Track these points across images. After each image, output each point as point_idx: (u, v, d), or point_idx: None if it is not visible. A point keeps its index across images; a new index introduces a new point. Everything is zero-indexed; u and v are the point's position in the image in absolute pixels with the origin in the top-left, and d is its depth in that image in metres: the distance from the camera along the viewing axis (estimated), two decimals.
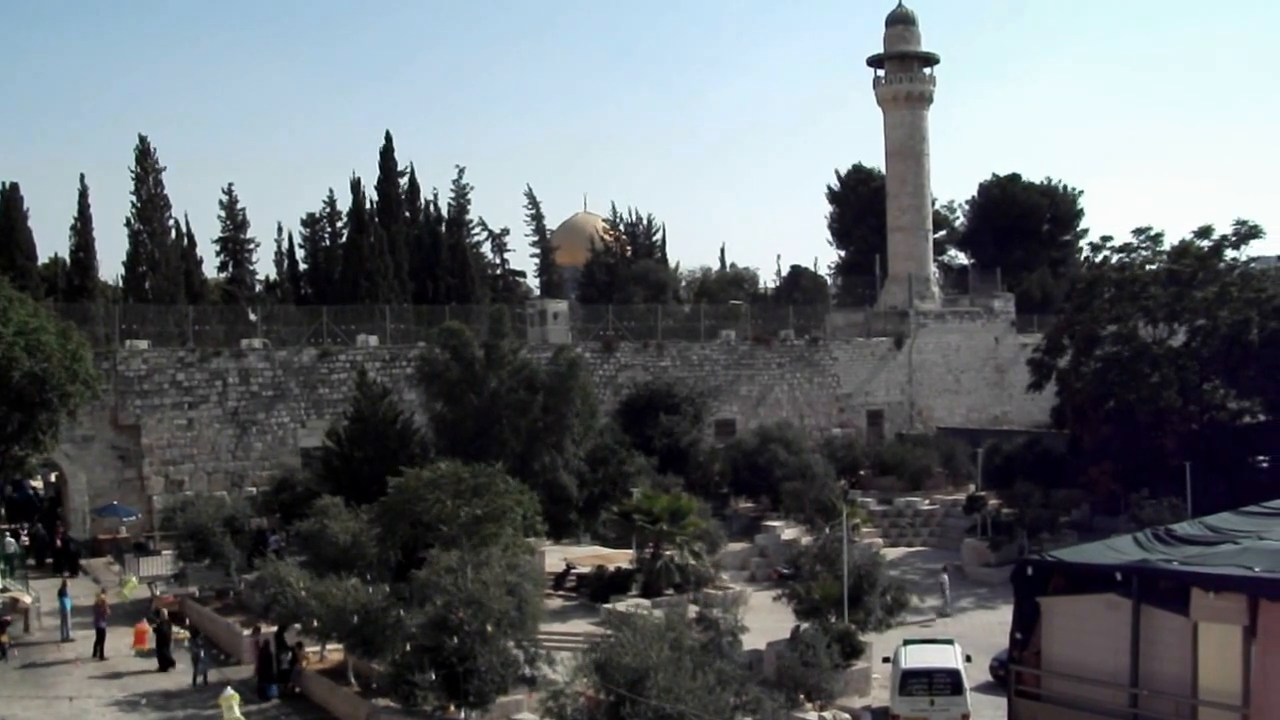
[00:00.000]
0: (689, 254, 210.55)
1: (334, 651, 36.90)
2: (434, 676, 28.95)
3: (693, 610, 36.71)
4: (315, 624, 35.08)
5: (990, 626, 44.18)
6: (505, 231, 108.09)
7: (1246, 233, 63.89)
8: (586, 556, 53.09)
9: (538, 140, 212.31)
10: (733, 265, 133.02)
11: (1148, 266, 66.15)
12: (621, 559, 51.20)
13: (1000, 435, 74.68)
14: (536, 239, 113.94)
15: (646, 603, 43.49)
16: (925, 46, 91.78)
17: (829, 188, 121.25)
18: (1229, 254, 64.83)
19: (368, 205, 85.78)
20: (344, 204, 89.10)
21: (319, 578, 36.68)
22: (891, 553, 59.21)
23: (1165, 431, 58.98)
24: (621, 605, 43.32)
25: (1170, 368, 60.63)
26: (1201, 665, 21.44)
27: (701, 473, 63.93)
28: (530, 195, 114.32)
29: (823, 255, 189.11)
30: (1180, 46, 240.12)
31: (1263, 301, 60.79)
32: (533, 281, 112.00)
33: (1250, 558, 22.19)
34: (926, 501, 67.91)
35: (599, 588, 48.50)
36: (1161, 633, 21.93)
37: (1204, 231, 64.85)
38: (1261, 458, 61.36)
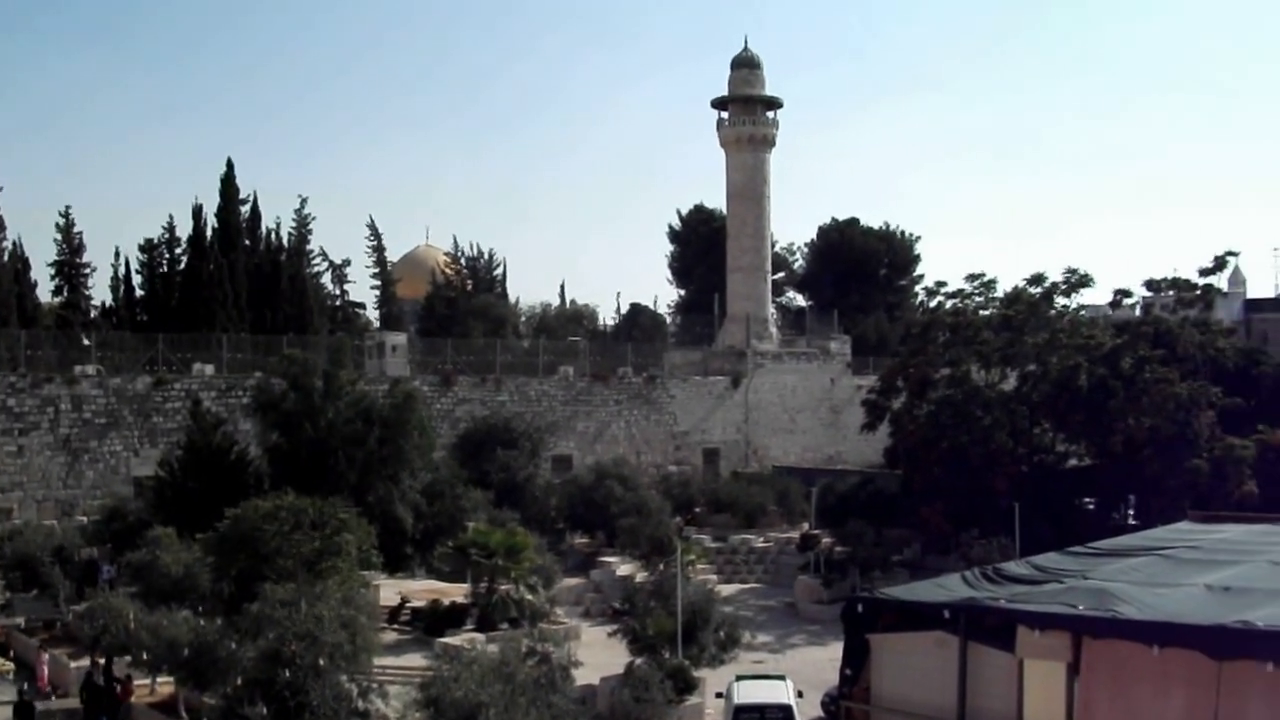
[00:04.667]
0: (529, 289, 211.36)
1: (165, 684, 36.27)
2: (266, 710, 28.52)
3: (527, 645, 36.67)
4: (146, 656, 34.50)
5: (822, 663, 44.57)
6: (346, 262, 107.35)
7: (1077, 281, 65.31)
8: (422, 590, 52.71)
9: (381, 172, 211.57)
10: (573, 302, 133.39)
11: (981, 312, 67.34)
12: (457, 593, 50.89)
13: (834, 475, 75.29)
14: (377, 270, 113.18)
15: (481, 637, 43.27)
16: (769, 90, 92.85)
17: (670, 227, 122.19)
18: (1060, 301, 66.29)
19: (208, 232, 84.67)
20: (184, 230, 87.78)
21: (150, 609, 36.11)
22: (726, 589, 59.40)
23: (996, 473, 59.96)
24: (456, 639, 43.08)
25: (1001, 411, 61.80)
26: (1027, 701, 21.86)
27: (538, 508, 63.71)
28: (372, 226, 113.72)
29: (663, 294, 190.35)
30: (1019, 96, 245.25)
31: (1091, 348, 62.18)
32: (372, 313, 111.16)
33: (1074, 596, 22.72)
34: (761, 539, 68.22)
35: (433, 622, 48.17)
36: (988, 669, 22.35)
37: (1036, 279, 66.18)
38: (1088, 500, 62.72)
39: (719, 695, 37.53)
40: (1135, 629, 20.67)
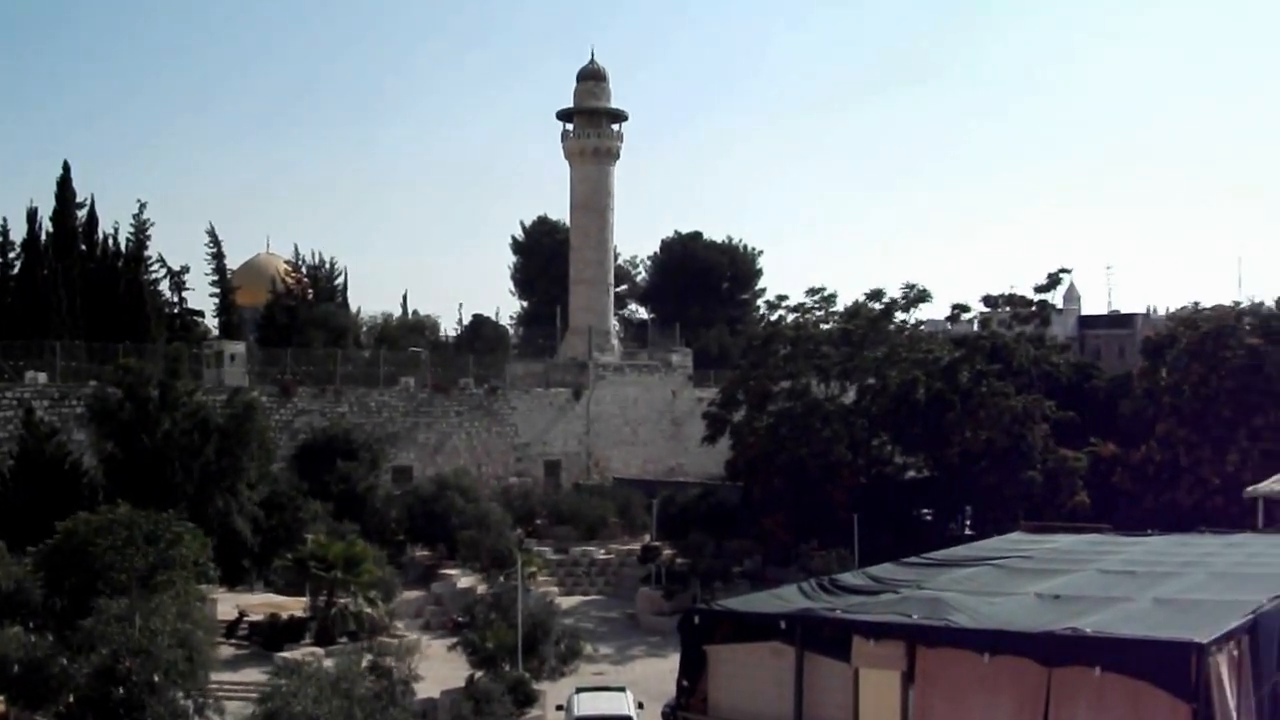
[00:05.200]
0: (371, 299, 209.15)
1: None
2: None
3: (367, 659, 36.44)
4: None
5: (662, 674, 44.72)
6: (185, 269, 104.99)
7: (916, 296, 66.37)
8: (260, 604, 52.12)
9: (221, 178, 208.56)
10: (415, 312, 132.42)
11: (821, 326, 68.18)
12: (295, 607, 50.44)
13: (676, 486, 75.70)
14: (216, 278, 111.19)
15: (320, 651, 43.02)
16: (615, 103, 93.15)
17: (513, 238, 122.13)
18: (899, 316, 67.35)
19: (43, 237, 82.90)
20: (18, 234, 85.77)
21: None
22: (567, 601, 59.49)
23: (835, 485, 60.70)
24: (295, 654, 42.75)
25: (841, 424, 62.59)
26: (862, 710, 22.12)
27: (378, 520, 63.26)
28: (212, 233, 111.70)
29: (505, 305, 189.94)
30: (860, 111, 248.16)
31: (929, 362, 63.26)
32: (211, 321, 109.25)
33: (909, 606, 23.04)
34: (602, 551, 68.47)
35: (272, 636, 47.71)
36: (824, 679, 22.58)
37: (875, 294, 67.18)
38: (926, 510, 63.71)
39: (560, 708, 37.60)
40: (967, 637, 21.02)
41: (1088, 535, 36.52)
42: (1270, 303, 69.27)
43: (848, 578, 27.60)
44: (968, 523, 63.39)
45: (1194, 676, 18.80)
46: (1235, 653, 20.72)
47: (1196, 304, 68.41)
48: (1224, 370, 59.73)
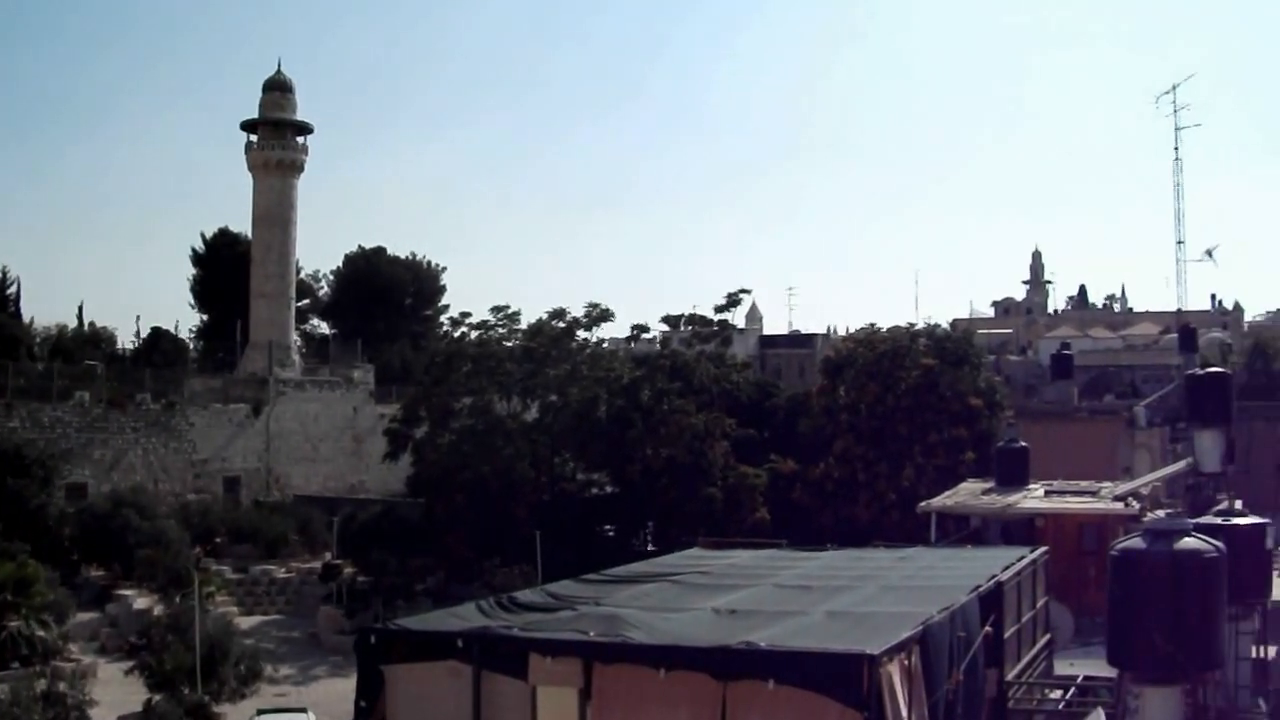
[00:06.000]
0: (45, 310, 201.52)
1: None
2: None
3: (40, 685, 35.22)
4: None
5: (345, 694, 43.85)
6: None
7: (598, 315, 67.13)
8: None
9: None
10: (91, 324, 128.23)
11: (505, 343, 68.31)
12: None
13: (357, 504, 74.83)
14: None
15: None
16: (302, 115, 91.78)
17: (194, 250, 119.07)
18: (581, 335, 67.92)
19: None
20: None
21: None
22: (247, 621, 58.37)
23: (517, 502, 60.90)
24: None
25: (523, 441, 62.79)
26: None
27: (50, 539, 60.95)
28: None
29: (185, 318, 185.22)
30: (539, 130, 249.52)
31: (610, 380, 63.92)
32: None
33: (586, 623, 23.04)
34: (283, 569, 67.24)
35: None
36: (502, 697, 22.45)
37: (558, 313, 67.69)
38: (609, 527, 64.29)
39: None
40: (643, 653, 21.08)
41: (765, 551, 37.08)
42: (945, 324, 71.96)
43: (526, 595, 27.53)
44: (650, 539, 64.14)
45: (865, 686, 19.20)
46: (906, 663, 21.26)
47: (874, 325, 70.57)
48: (900, 389, 61.76)
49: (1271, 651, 25.84)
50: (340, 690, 46.45)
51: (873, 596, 26.38)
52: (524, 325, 68.82)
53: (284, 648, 55.72)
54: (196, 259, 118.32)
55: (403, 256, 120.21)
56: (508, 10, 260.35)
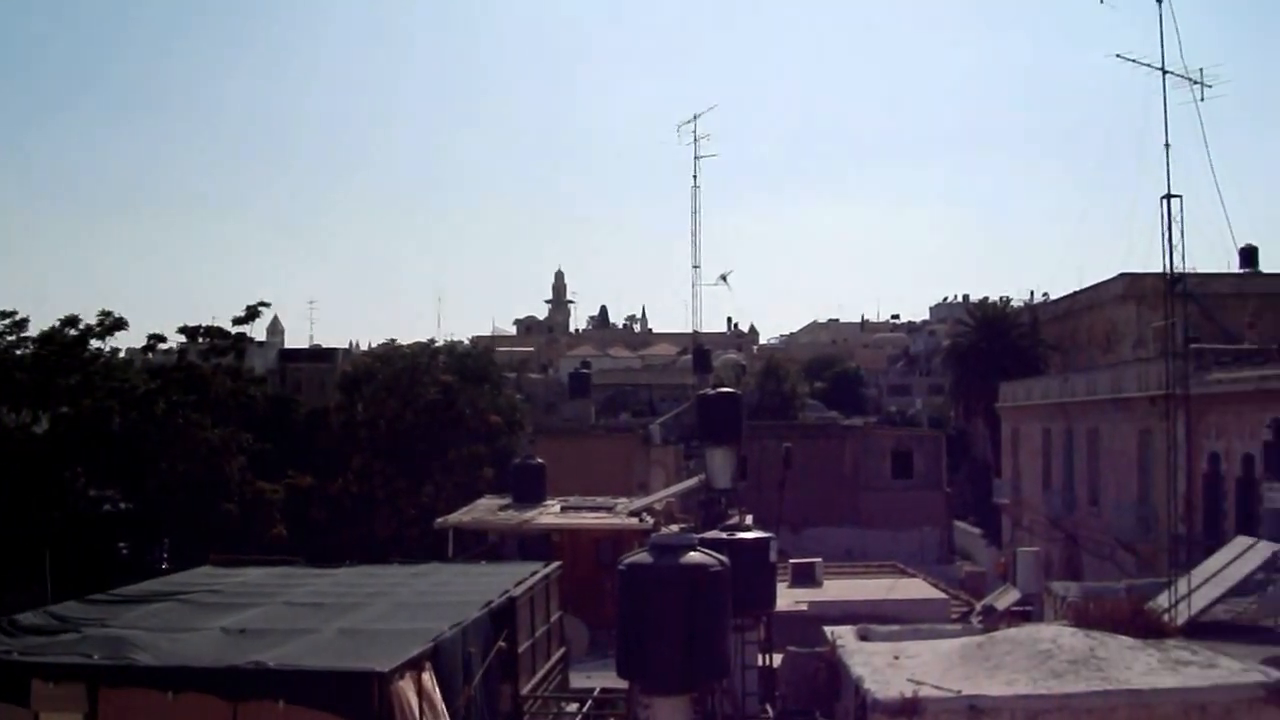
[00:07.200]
0: None
1: None
2: None
3: None
4: None
5: None
6: None
7: (113, 324, 65.00)
8: None
9: None
10: None
11: (16, 351, 65.55)
12: None
13: None
14: None
15: None
16: None
17: None
18: (95, 343, 65.70)
19: None
20: None
21: None
22: None
23: (25, 519, 58.55)
24: None
25: (34, 455, 60.42)
26: None
27: None
28: None
29: None
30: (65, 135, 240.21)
31: (125, 391, 62.18)
32: None
33: (91, 645, 22.56)
34: None
35: None
36: None
37: (71, 320, 65.25)
38: (123, 545, 62.47)
39: None
40: (150, 675, 20.80)
41: (279, 568, 36.86)
42: (467, 341, 72.93)
43: (28, 617, 26.66)
44: (165, 556, 62.70)
45: (375, 704, 19.45)
46: (418, 679, 21.58)
47: (394, 341, 70.97)
48: (419, 405, 62.25)
49: (777, 659, 27.11)
50: None
51: (385, 613, 26.63)
52: (35, 333, 66.19)
53: None
54: None
55: None
56: None
